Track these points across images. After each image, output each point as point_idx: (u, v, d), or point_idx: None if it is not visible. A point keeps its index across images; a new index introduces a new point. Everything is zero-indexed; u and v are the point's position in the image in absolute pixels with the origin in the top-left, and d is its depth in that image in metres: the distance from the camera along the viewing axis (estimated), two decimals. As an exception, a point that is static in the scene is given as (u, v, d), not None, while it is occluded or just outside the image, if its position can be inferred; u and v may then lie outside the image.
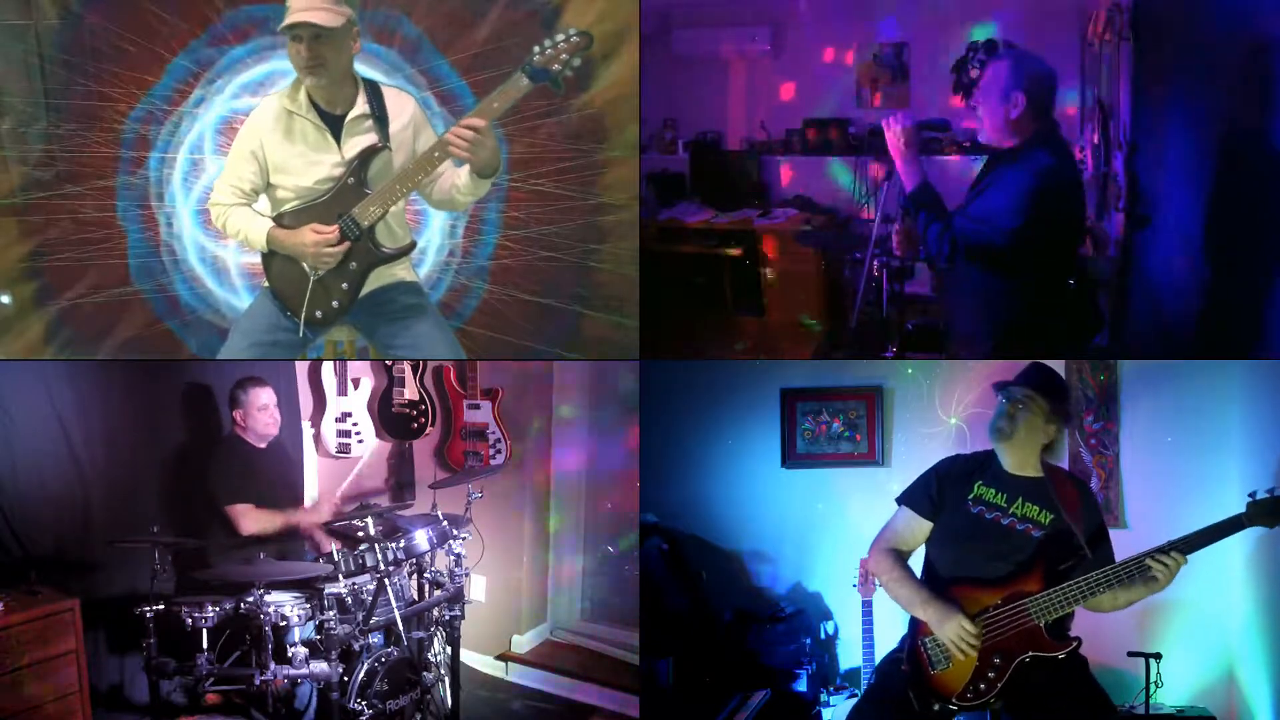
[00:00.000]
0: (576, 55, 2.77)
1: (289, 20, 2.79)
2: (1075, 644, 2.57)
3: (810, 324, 4.91)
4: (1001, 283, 3.03)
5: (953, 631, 2.55)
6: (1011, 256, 2.93)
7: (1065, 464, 2.89)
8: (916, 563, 2.81)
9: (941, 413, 3.72)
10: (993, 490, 2.70)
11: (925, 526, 2.76)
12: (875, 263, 3.31)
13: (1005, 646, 2.55)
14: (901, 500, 2.81)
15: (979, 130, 3.02)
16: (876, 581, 2.91)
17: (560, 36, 2.76)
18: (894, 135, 3.00)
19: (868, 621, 3.34)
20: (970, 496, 2.71)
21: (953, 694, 2.58)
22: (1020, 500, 2.67)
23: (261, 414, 3.45)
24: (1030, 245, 2.91)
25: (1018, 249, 2.91)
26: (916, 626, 2.69)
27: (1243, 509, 2.45)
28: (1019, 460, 2.71)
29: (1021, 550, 2.62)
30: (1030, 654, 2.54)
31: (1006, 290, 3.04)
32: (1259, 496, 2.44)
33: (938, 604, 2.60)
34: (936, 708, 2.60)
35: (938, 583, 2.69)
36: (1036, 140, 2.93)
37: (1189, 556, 2.45)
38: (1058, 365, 3.55)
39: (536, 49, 2.77)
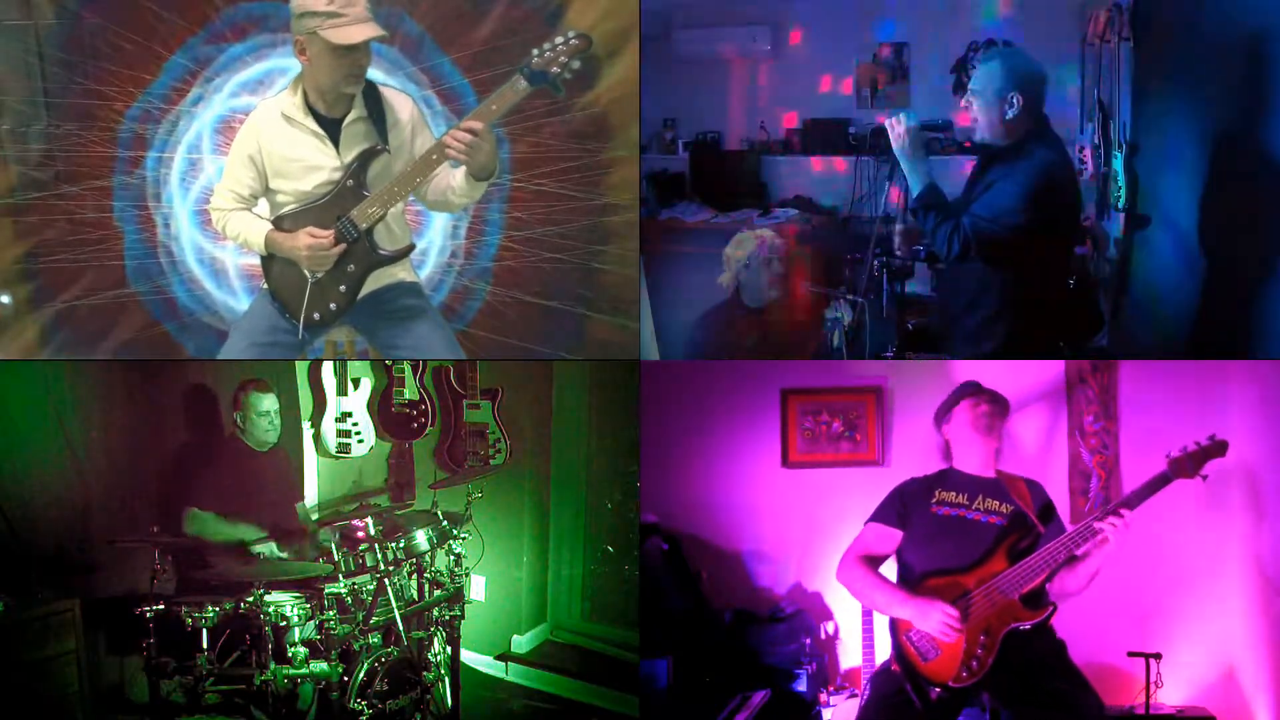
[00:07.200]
0: (575, 58, 2.74)
1: (360, 37, 2.71)
2: (1052, 609, 2.73)
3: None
4: (999, 280, 3.11)
5: (936, 620, 2.68)
6: (1017, 251, 3.00)
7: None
8: (888, 573, 2.97)
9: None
10: (953, 493, 2.94)
11: (895, 535, 2.95)
12: (875, 262, 3.33)
13: (988, 624, 2.69)
14: (870, 520, 3.00)
15: (974, 129, 3.06)
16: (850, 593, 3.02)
17: (559, 39, 2.73)
18: (898, 137, 3.01)
19: (868, 621, 3.34)
20: (933, 502, 2.94)
21: (949, 678, 2.67)
22: (980, 497, 2.91)
23: (262, 420, 3.44)
24: (1033, 239, 2.99)
25: (1023, 243, 2.98)
26: (897, 627, 2.81)
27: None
28: (982, 461, 2.98)
29: (986, 538, 2.82)
30: (1013, 625, 2.68)
31: (1004, 287, 3.12)
32: (1173, 455, 2.71)
33: (916, 600, 2.74)
34: (937, 693, 2.69)
35: (912, 579, 2.85)
36: (1032, 137, 3.00)
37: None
38: (1057, 365, 3.59)
39: (535, 51, 2.74)
